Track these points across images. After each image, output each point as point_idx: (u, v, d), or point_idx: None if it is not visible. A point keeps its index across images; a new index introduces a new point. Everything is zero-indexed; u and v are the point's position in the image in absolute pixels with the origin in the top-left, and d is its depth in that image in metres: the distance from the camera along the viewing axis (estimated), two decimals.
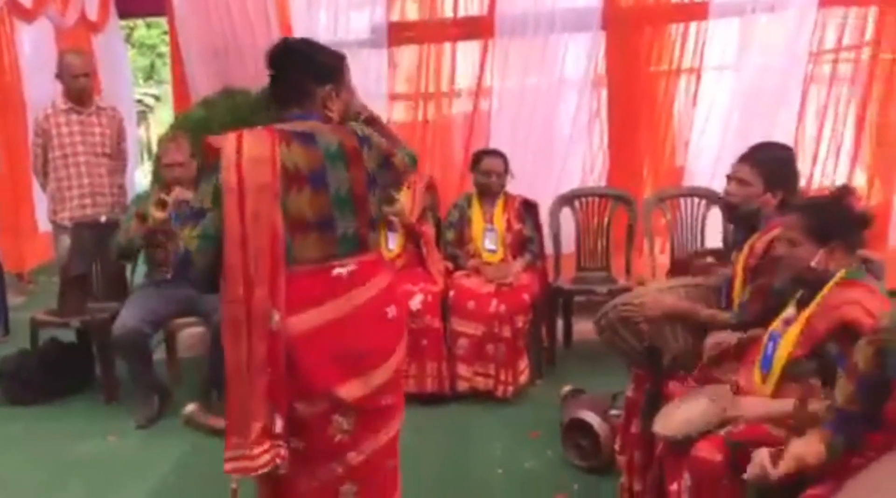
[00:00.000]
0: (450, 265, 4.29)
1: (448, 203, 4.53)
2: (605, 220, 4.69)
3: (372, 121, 2.41)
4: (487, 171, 4.30)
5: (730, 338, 2.63)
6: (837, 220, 2.33)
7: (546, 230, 4.55)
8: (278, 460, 2.07)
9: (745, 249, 2.77)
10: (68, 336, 4.45)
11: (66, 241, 4.52)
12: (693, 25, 5.05)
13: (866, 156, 5.24)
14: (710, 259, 3.61)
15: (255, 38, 4.87)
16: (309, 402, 2.11)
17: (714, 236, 4.46)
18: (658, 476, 2.57)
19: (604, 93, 5.28)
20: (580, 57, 5.16)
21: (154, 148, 4.23)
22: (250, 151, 2.06)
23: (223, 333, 2.09)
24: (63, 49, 5.38)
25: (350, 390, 2.13)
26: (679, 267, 4.03)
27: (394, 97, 5.28)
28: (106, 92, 6.14)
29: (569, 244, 4.74)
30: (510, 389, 3.98)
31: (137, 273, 4.46)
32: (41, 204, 5.46)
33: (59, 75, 4.52)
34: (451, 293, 4.07)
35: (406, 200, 4.28)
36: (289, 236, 2.08)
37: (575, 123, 5.26)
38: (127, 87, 7.57)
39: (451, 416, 3.92)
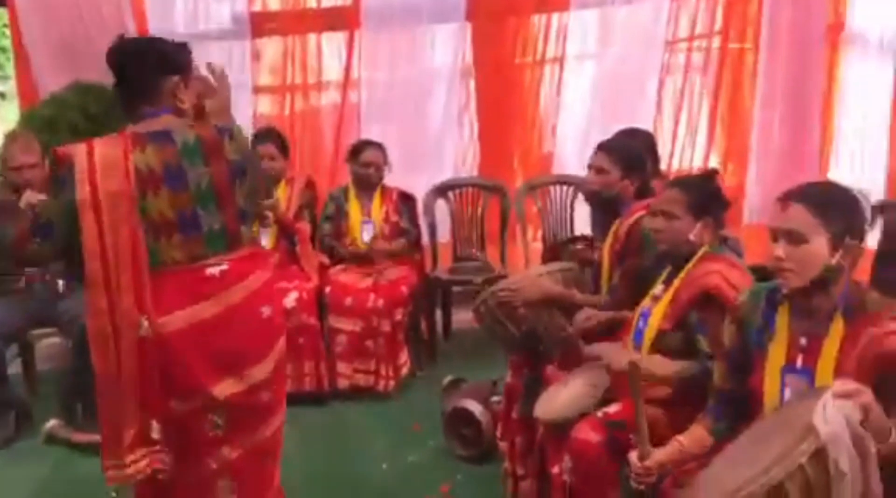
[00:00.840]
0: (325, 260, 4.19)
1: (319, 197, 4.43)
2: (479, 209, 4.72)
3: None
4: (367, 162, 4.23)
5: (599, 313, 2.70)
6: (712, 196, 2.43)
7: (421, 221, 4.54)
8: (157, 465, 2.07)
9: (610, 234, 2.85)
10: None
11: None
12: (555, 16, 5.14)
13: (720, 141, 5.50)
14: (580, 245, 3.70)
15: (106, 29, 4.58)
16: (183, 399, 2.09)
17: (583, 222, 4.56)
18: (540, 460, 2.61)
19: (472, 84, 5.31)
20: (447, 48, 5.16)
21: None
22: (103, 160, 2.02)
23: (91, 345, 2.05)
24: None
25: (223, 389, 2.11)
26: (552, 253, 4.11)
27: (258, 90, 5.11)
28: None
29: (444, 235, 4.74)
30: (391, 383, 3.95)
31: None
32: None
33: None
34: (328, 290, 4.00)
35: (283, 196, 4.16)
36: (152, 240, 2.05)
37: (445, 114, 5.26)
38: None
39: (331, 414, 3.85)
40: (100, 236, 2.00)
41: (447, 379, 3.66)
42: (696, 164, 5.30)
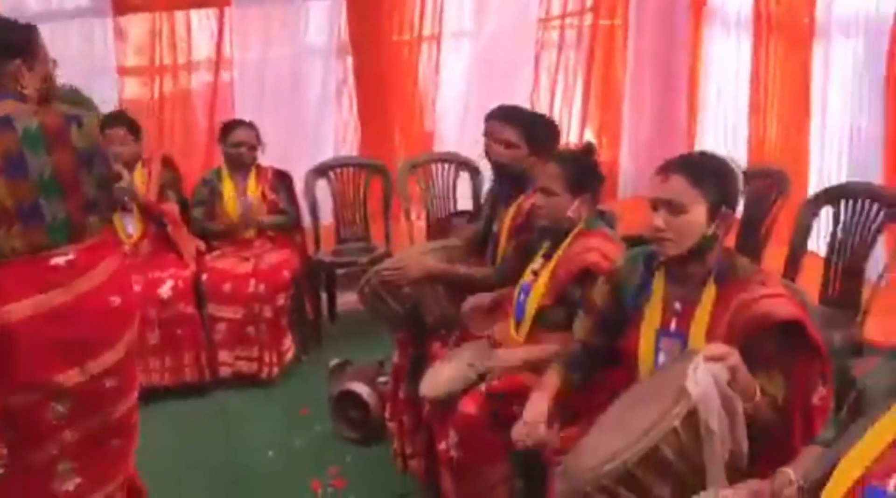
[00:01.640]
0: (202, 245, 4.05)
1: (194, 181, 4.27)
2: (361, 189, 4.66)
3: None
4: (238, 142, 4.10)
5: (486, 299, 2.72)
6: (589, 172, 2.47)
7: (302, 203, 4.44)
8: None
9: (513, 207, 2.87)
10: None
11: None
12: None
13: (594, 116, 5.64)
14: (463, 221, 3.73)
15: None
16: (26, 391, 2.04)
17: (466, 200, 4.60)
18: (427, 437, 2.61)
19: (350, 62, 5.23)
20: (322, 25, 5.06)
21: None
22: None
23: None
24: None
25: (69, 377, 2.07)
26: (437, 231, 4.12)
27: (124, 71, 4.85)
28: None
29: (327, 216, 4.67)
30: (275, 369, 3.87)
31: None
32: None
33: None
34: (205, 277, 3.86)
35: (140, 180, 3.96)
36: None
37: (323, 93, 5.18)
38: None
39: (215, 404, 3.75)
40: None
41: (333, 362, 3.60)
42: (573, 139, 5.42)
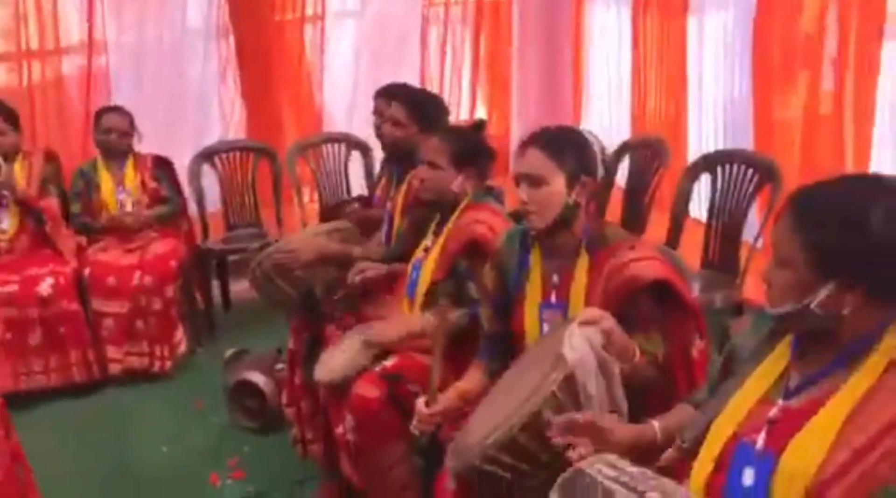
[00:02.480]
0: (82, 240, 3.88)
1: (71, 172, 4.07)
2: (249, 174, 4.55)
3: None
4: (108, 128, 3.91)
5: (377, 266, 2.70)
6: (474, 148, 2.48)
7: (187, 190, 4.31)
8: None
9: (405, 184, 2.85)
10: None
11: None
12: None
13: (485, 92, 5.68)
14: (356, 205, 3.69)
15: None
16: None
17: (358, 180, 4.56)
18: (325, 422, 2.59)
19: (232, 43, 5.08)
20: (200, 5, 4.90)
21: None
22: None
23: None
24: None
25: None
26: (330, 213, 4.07)
27: None
28: None
29: (215, 203, 4.54)
30: (168, 363, 3.75)
31: None
32: None
33: None
34: (87, 271, 3.70)
35: (20, 173, 3.77)
36: None
37: (206, 76, 5.02)
38: None
39: (106, 402, 3.62)
40: None
41: (229, 352, 3.53)
42: (464, 116, 5.45)
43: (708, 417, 1.43)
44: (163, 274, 3.74)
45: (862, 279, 1.25)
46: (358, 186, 4.58)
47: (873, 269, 1.24)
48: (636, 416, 1.69)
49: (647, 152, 3.73)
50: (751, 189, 3.28)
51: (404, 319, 2.42)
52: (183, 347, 3.86)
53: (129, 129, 3.97)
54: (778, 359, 1.40)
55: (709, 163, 3.48)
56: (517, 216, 2.38)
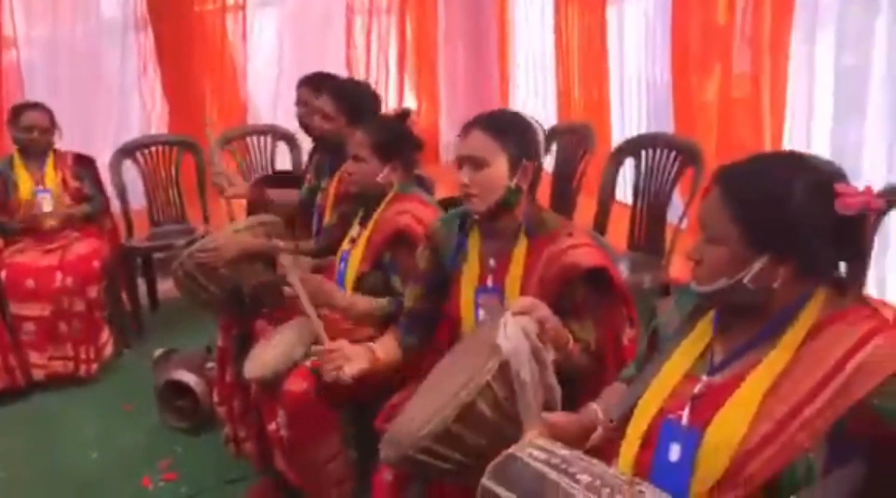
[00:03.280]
0: None
1: None
2: (173, 168, 4.44)
3: None
4: (29, 126, 3.76)
5: (306, 262, 2.67)
6: (399, 139, 2.45)
7: (109, 187, 4.18)
8: None
9: (336, 176, 2.82)
10: None
11: None
12: None
13: (413, 80, 5.66)
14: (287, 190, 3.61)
15: None
16: None
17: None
18: (257, 419, 2.55)
19: (151, 35, 4.95)
20: None
21: None
22: None
23: None
24: None
25: None
26: (255, 205, 3.98)
27: None
28: None
29: (139, 200, 4.42)
30: (94, 366, 3.65)
31: None
32: None
33: None
34: (4, 274, 3.56)
35: None
36: None
37: (124, 70, 4.90)
38: None
39: (30, 410, 3.50)
40: None
41: (157, 352, 3.45)
42: (392, 105, 5.42)
43: (634, 397, 1.45)
44: (85, 275, 3.63)
45: (793, 252, 1.28)
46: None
47: (801, 242, 1.27)
48: (569, 403, 1.72)
49: (574, 138, 3.77)
50: (674, 171, 3.34)
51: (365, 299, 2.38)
52: (109, 349, 3.76)
53: (51, 126, 3.83)
54: (701, 335, 1.43)
55: (633, 147, 3.53)
56: (447, 205, 2.39)
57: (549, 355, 1.62)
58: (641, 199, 3.45)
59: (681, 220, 3.31)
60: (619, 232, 3.52)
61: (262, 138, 4.56)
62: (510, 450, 1.33)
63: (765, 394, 1.27)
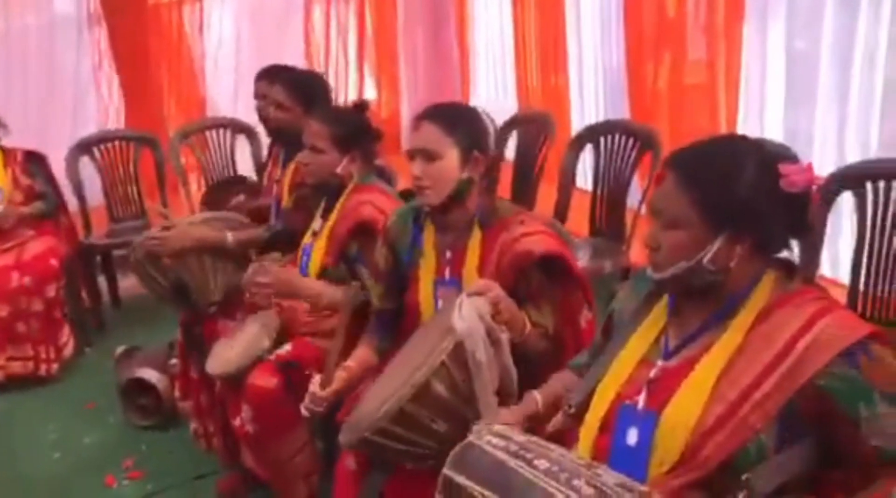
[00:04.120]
0: None
1: None
2: (131, 164, 4.38)
3: None
4: None
5: (271, 266, 2.65)
6: (358, 130, 2.44)
7: (66, 184, 4.11)
8: None
9: (292, 165, 2.81)
10: None
11: None
12: None
13: (373, 70, 5.64)
14: (241, 197, 3.59)
15: None
16: None
17: (245, 165, 4.46)
18: (222, 414, 2.54)
19: (105, 29, 4.88)
20: None
21: None
22: None
23: None
24: None
25: None
26: (212, 195, 3.93)
27: None
28: None
29: (97, 197, 4.36)
30: (55, 365, 3.60)
31: None
32: None
33: None
34: None
35: None
36: None
37: (79, 65, 4.82)
38: None
39: None
40: None
41: (119, 350, 3.41)
42: (353, 96, 5.40)
43: (592, 382, 1.47)
44: (42, 273, 3.58)
45: (748, 230, 1.31)
46: (245, 172, 4.46)
47: (756, 218, 1.30)
48: (530, 385, 1.74)
49: (534, 126, 3.79)
50: (632, 158, 3.38)
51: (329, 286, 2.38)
52: (70, 348, 3.72)
53: None
54: (655, 320, 1.46)
55: (592, 134, 3.56)
56: (408, 195, 2.39)
57: (504, 336, 1.64)
58: (601, 185, 3.48)
59: (640, 205, 3.35)
60: (580, 218, 3.55)
61: (220, 132, 4.51)
62: (469, 438, 1.35)
63: (717, 377, 1.30)
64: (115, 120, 4.88)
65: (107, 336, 3.97)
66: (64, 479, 2.91)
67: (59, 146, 4.29)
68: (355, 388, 2.06)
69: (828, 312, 1.29)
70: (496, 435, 1.33)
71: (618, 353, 1.46)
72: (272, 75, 3.12)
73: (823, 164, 2.89)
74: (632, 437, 1.34)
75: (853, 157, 2.88)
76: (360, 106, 2.57)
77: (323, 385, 2.01)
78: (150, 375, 3.10)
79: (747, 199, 1.29)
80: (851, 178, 2.44)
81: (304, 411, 2.02)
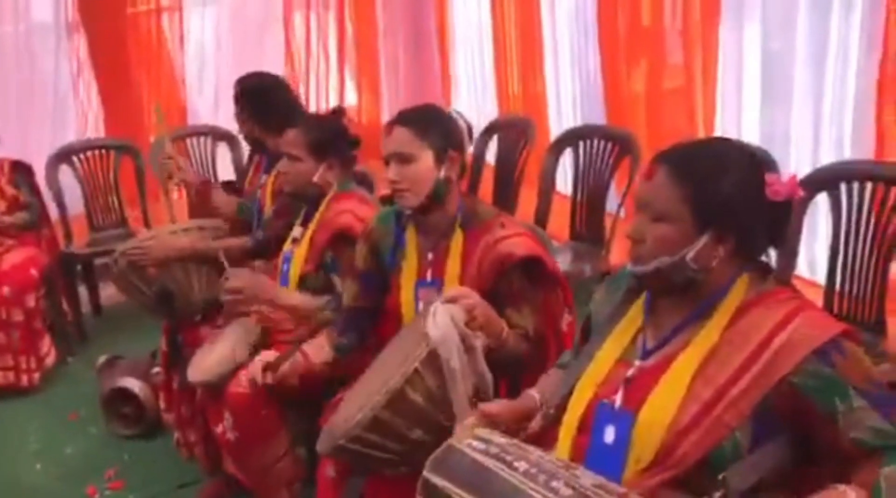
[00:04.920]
0: None
1: None
2: (111, 172, 4.36)
3: None
4: None
5: (250, 275, 2.65)
6: (334, 137, 2.45)
7: (46, 193, 4.09)
8: None
9: (273, 173, 2.81)
10: None
11: None
12: None
13: (354, 76, 5.64)
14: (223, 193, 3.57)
15: None
16: None
17: (226, 172, 4.45)
18: (204, 423, 2.54)
19: (84, 38, 4.86)
20: (47, 1, 4.66)
21: None
22: None
23: None
24: None
25: None
26: (198, 210, 3.93)
27: None
28: None
29: (77, 206, 4.33)
30: (36, 375, 3.57)
31: None
32: None
33: None
34: None
35: None
36: None
37: (58, 75, 4.79)
38: None
39: None
40: None
41: (101, 359, 3.39)
42: (334, 100, 5.40)
43: (569, 383, 1.48)
44: (22, 283, 3.55)
45: (733, 231, 1.33)
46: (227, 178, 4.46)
47: (741, 220, 1.32)
48: (512, 389, 1.75)
49: (514, 131, 3.81)
50: (611, 162, 3.40)
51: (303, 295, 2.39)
52: (52, 358, 3.69)
53: None
54: (632, 320, 1.47)
55: (571, 138, 3.58)
56: (387, 202, 2.40)
57: (479, 342, 1.65)
58: (581, 189, 3.51)
59: (618, 208, 3.38)
60: (560, 222, 3.58)
61: (201, 139, 4.50)
62: (449, 441, 1.35)
63: (693, 376, 1.31)
64: (94, 128, 4.85)
65: (88, 345, 3.95)
66: (46, 489, 2.89)
67: (38, 154, 4.27)
68: (316, 373, 2.10)
69: (801, 312, 1.31)
70: (476, 437, 1.33)
71: (595, 353, 1.47)
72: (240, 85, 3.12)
73: (799, 165, 2.93)
74: (609, 435, 1.35)
75: (828, 157, 2.91)
76: (337, 112, 2.58)
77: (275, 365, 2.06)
78: (133, 384, 3.09)
79: (736, 199, 1.31)
80: (826, 179, 2.47)
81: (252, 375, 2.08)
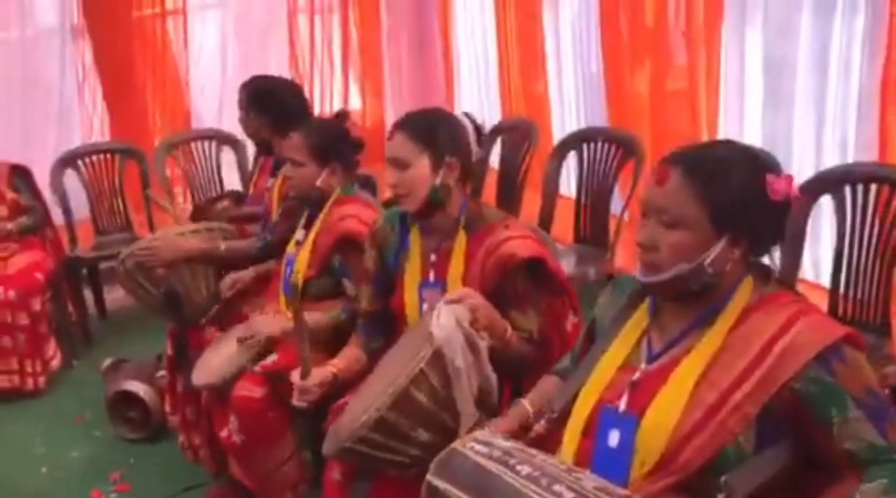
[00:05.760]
0: None
1: None
2: (116, 176, 4.37)
3: None
4: None
5: (246, 274, 2.67)
6: (336, 141, 2.46)
7: (51, 197, 4.10)
8: None
9: (280, 176, 2.82)
10: None
11: None
12: None
13: (358, 79, 5.65)
14: (226, 203, 3.60)
15: None
16: None
17: (231, 176, 4.46)
18: (209, 426, 2.54)
19: (89, 42, 4.87)
20: (51, 6, 4.69)
21: None
22: None
23: None
24: None
25: None
26: (199, 214, 3.95)
27: None
28: None
29: (82, 210, 4.35)
30: (41, 379, 3.58)
31: None
32: None
33: None
34: None
35: None
36: None
37: (64, 79, 4.80)
38: None
39: None
40: None
41: (106, 363, 3.40)
42: (339, 103, 5.41)
43: (574, 387, 1.49)
44: (28, 287, 3.56)
45: (746, 233, 1.32)
46: (232, 183, 4.47)
47: (755, 222, 1.32)
48: (516, 390, 1.75)
49: (517, 134, 3.80)
50: (614, 164, 3.40)
51: (282, 316, 2.40)
52: (57, 362, 3.70)
53: None
54: (637, 324, 1.47)
55: (575, 141, 3.58)
56: (390, 205, 2.41)
57: (484, 342, 1.66)
58: (585, 192, 3.50)
59: (622, 211, 3.37)
60: (564, 225, 3.58)
61: (206, 143, 4.51)
62: (453, 444, 1.36)
63: (697, 380, 1.31)
64: (99, 132, 4.87)
65: (94, 349, 3.95)
66: (51, 493, 2.90)
67: (43, 159, 4.29)
68: (346, 385, 2.05)
69: (803, 315, 1.31)
70: (479, 441, 1.34)
71: (600, 357, 1.47)
72: (246, 87, 3.13)
73: (802, 168, 2.93)
74: (613, 439, 1.36)
75: (831, 160, 2.91)
76: (341, 116, 2.58)
77: (302, 376, 1.99)
78: (138, 387, 3.09)
79: (746, 200, 1.31)
80: (830, 181, 2.47)
81: (296, 404, 2.00)
